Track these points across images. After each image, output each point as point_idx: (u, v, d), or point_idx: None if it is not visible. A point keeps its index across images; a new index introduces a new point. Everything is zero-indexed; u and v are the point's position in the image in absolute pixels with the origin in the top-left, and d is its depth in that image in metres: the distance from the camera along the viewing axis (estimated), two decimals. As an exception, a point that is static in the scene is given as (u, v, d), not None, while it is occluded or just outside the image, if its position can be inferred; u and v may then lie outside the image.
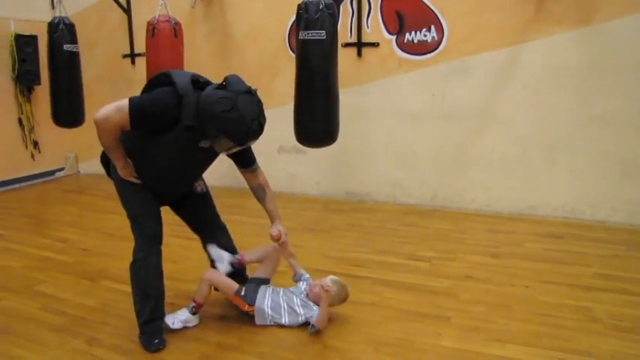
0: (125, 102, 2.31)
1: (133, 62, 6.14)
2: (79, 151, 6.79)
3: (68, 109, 5.10)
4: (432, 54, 4.76)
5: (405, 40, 4.83)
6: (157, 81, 2.44)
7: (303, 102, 4.00)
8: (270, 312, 2.71)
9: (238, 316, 2.78)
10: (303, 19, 3.83)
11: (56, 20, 4.96)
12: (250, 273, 2.95)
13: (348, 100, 4.78)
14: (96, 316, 2.89)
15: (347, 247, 3.93)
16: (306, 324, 2.71)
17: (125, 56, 6.18)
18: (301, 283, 2.87)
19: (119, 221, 4.46)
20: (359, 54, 5.00)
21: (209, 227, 2.87)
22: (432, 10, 4.68)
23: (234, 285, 2.73)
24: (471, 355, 2.46)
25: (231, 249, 2.86)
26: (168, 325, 2.66)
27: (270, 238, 2.83)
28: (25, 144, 6.20)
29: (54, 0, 5.59)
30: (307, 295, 2.77)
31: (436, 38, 4.72)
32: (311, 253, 3.78)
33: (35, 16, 6.01)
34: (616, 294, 3.05)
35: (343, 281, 2.83)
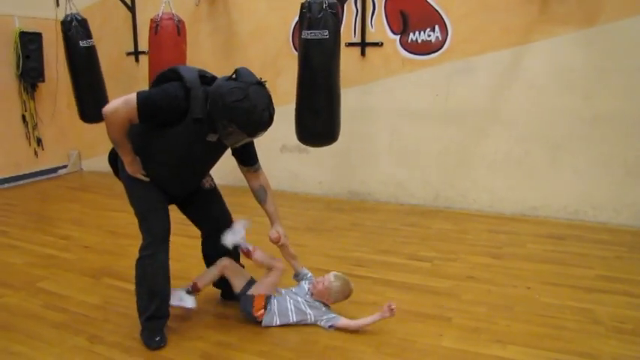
0: (133, 95, 2.32)
1: (136, 60, 6.15)
2: (83, 148, 6.80)
3: (95, 104, 5.02)
4: (436, 54, 4.75)
5: (409, 40, 4.82)
6: (164, 77, 2.46)
7: (304, 101, 4.00)
8: (277, 316, 2.72)
9: (239, 314, 2.78)
10: (306, 19, 3.82)
11: (68, 18, 4.97)
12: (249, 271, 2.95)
13: (352, 99, 4.78)
14: (97, 313, 2.90)
15: (349, 246, 3.93)
16: (312, 324, 2.73)
17: (129, 54, 6.18)
18: (304, 282, 2.87)
19: (122, 219, 4.51)
20: (363, 53, 5.00)
21: (217, 222, 2.84)
22: (437, 10, 4.67)
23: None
24: (472, 356, 2.46)
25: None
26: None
27: (270, 241, 2.83)
28: (28, 141, 6.21)
29: (59, -3, 5.61)
30: (311, 295, 2.77)
31: (440, 38, 4.71)
32: (313, 252, 3.78)
33: (40, 13, 6.02)
34: (618, 296, 3.05)
35: (346, 277, 2.83)
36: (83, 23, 5.03)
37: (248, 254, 2.77)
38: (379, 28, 4.91)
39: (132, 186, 2.60)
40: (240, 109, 2.25)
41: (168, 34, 4.73)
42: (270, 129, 2.40)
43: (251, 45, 5.47)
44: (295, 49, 5.16)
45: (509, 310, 2.89)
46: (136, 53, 6.12)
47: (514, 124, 4.58)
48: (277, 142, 5.42)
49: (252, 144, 2.64)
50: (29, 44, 5.87)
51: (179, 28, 4.79)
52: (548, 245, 3.91)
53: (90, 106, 5.10)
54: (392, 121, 5.01)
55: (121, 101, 2.32)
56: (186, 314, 2.85)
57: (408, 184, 5.07)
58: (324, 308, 2.75)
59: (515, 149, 4.61)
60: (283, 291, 2.81)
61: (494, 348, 2.51)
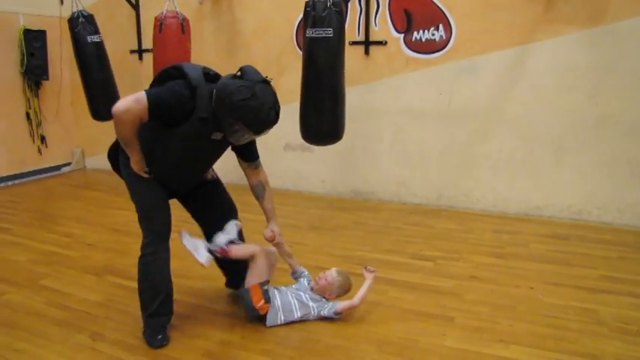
0: (142, 94, 2.31)
1: (140, 58, 6.15)
2: (86, 146, 6.81)
3: (107, 101, 4.97)
4: (440, 53, 4.74)
5: (413, 39, 4.81)
6: (168, 74, 2.45)
7: (309, 100, 4.00)
8: (282, 311, 2.71)
9: (242, 313, 2.78)
10: (311, 17, 3.82)
11: (75, 15, 4.97)
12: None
13: (355, 98, 4.77)
14: (100, 311, 2.90)
15: (352, 245, 3.92)
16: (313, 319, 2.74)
17: (133, 52, 6.19)
18: (302, 279, 2.88)
19: (125, 217, 4.50)
20: (366, 52, 4.98)
21: (220, 211, 2.83)
22: (441, 9, 4.65)
23: (265, 276, 2.72)
24: (475, 355, 2.45)
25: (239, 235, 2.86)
26: (184, 234, 2.66)
27: (264, 239, 2.84)
28: (32, 138, 6.22)
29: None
30: (312, 290, 2.80)
31: (444, 37, 4.69)
32: (316, 251, 3.78)
33: (44, 10, 6.03)
34: (621, 296, 3.03)
35: (346, 272, 2.86)
36: (90, 19, 5.03)
37: (224, 254, 2.70)
38: (383, 26, 4.90)
39: (134, 183, 2.59)
40: (247, 108, 2.27)
41: (173, 32, 4.74)
42: (273, 127, 2.41)
43: (254, 43, 5.46)
44: (299, 47, 5.16)
45: (512, 310, 2.88)
46: (140, 51, 6.12)
47: (518, 124, 4.56)
48: (281, 141, 5.42)
49: (253, 141, 2.65)
50: (33, 42, 5.88)
51: (183, 26, 4.79)
52: (552, 245, 3.90)
53: (102, 103, 5.04)
54: (395, 120, 5.00)
55: (131, 100, 2.30)
56: (189, 313, 2.85)
57: (412, 184, 5.06)
58: (324, 300, 2.77)
59: (519, 149, 4.60)
60: (284, 288, 2.81)
61: (497, 348, 2.50)
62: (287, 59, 5.29)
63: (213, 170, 2.89)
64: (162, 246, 2.59)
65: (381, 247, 3.87)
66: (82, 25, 4.94)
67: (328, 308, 2.73)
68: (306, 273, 2.92)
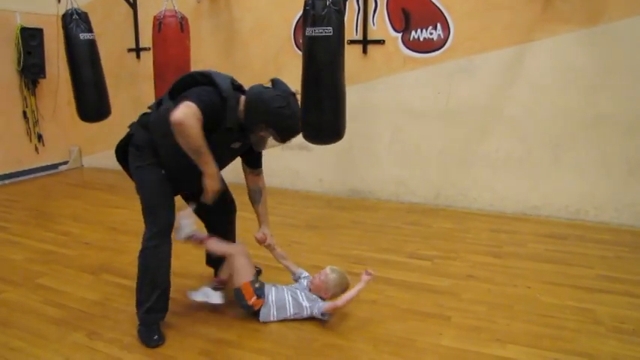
0: (186, 102, 2.31)
1: (138, 56, 6.14)
2: (83, 144, 6.79)
3: (96, 101, 4.92)
4: (438, 52, 4.74)
5: (411, 38, 4.81)
6: (193, 79, 2.50)
7: (309, 100, 3.98)
8: (275, 307, 2.72)
9: (238, 312, 2.78)
10: (310, 16, 3.80)
11: (69, 12, 4.94)
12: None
13: (353, 97, 4.75)
14: (97, 310, 2.90)
15: (349, 244, 3.92)
16: (310, 318, 2.73)
17: (130, 50, 6.17)
18: (302, 280, 2.88)
19: (122, 215, 4.51)
20: (364, 51, 4.98)
21: (222, 207, 2.88)
22: (439, 8, 4.65)
23: (251, 273, 2.76)
24: (472, 355, 2.45)
25: (231, 234, 2.95)
26: (190, 295, 2.76)
27: (256, 241, 2.94)
28: (29, 137, 6.21)
29: (61, -7, 5.58)
30: (310, 290, 2.79)
31: (442, 36, 4.69)
32: (313, 250, 3.78)
33: (41, 9, 6.01)
34: (618, 296, 3.04)
35: (341, 270, 2.85)
36: (84, 17, 4.98)
37: (201, 242, 2.80)
38: (381, 25, 4.90)
39: (145, 178, 2.60)
40: (282, 115, 2.46)
41: (172, 31, 4.72)
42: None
43: (252, 42, 5.46)
44: (297, 46, 5.16)
45: (509, 310, 2.88)
46: (138, 50, 6.11)
47: (516, 123, 4.57)
48: (278, 140, 5.41)
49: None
50: (30, 40, 5.87)
51: (182, 25, 4.77)
52: (549, 245, 3.90)
53: (91, 104, 4.91)
54: (393, 119, 5.00)
55: (186, 108, 2.28)
56: (185, 311, 2.85)
57: (409, 183, 5.06)
58: (319, 300, 2.76)
59: (516, 148, 4.60)
60: (283, 286, 2.82)
61: (494, 347, 2.50)
62: (284, 58, 5.29)
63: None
64: (165, 240, 2.59)
65: (379, 247, 3.87)
66: (75, 22, 4.88)
67: (317, 308, 2.72)
68: (306, 274, 2.93)
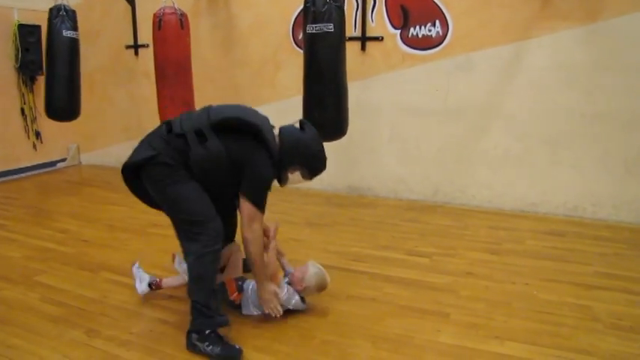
0: (252, 210, 2.49)
1: (136, 53, 6.12)
2: (81, 142, 6.77)
3: (65, 100, 4.95)
4: (437, 49, 4.73)
5: (410, 35, 4.81)
6: (244, 126, 2.49)
7: (311, 97, 3.97)
8: (251, 301, 2.73)
9: (235, 309, 2.78)
10: (311, 13, 3.79)
11: (57, 6, 4.90)
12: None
13: (352, 94, 4.73)
14: (95, 307, 2.89)
15: (348, 241, 3.92)
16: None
17: (129, 47, 6.16)
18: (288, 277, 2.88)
19: (120, 213, 4.51)
20: (363, 48, 4.98)
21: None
22: (437, 5, 4.65)
23: (240, 271, 2.85)
24: (470, 351, 2.45)
25: (231, 234, 2.91)
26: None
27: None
28: (27, 134, 6.20)
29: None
30: (288, 283, 2.77)
31: (441, 33, 4.69)
32: (312, 247, 3.78)
33: (39, 5, 5.97)
34: (616, 293, 3.04)
35: (320, 266, 2.82)
36: (72, 15, 4.95)
37: (159, 286, 2.90)
38: (380, 22, 4.90)
39: (183, 191, 2.47)
40: (319, 156, 2.63)
41: (172, 28, 4.70)
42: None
43: (251, 39, 5.45)
44: (296, 43, 5.15)
45: (507, 307, 2.88)
46: (136, 46, 6.09)
47: (514, 120, 4.57)
48: (277, 137, 5.40)
49: None
50: (28, 37, 5.85)
51: (182, 21, 4.75)
52: (548, 242, 3.90)
53: (60, 101, 4.92)
54: (392, 116, 5.00)
55: (250, 221, 2.48)
56: (185, 309, 2.84)
57: (408, 180, 5.06)
58: (296, 296, 2.75)
59: (515, 145, 4.60)
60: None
61: (492, 344, 2.51)
62: (283, 55, 5.28)
63: None
64: (220, 246, 2.51)
65: (377, 244, 3.87)
66: (60, 18, 4.86)
67: (294, 301, 2.72)
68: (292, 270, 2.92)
